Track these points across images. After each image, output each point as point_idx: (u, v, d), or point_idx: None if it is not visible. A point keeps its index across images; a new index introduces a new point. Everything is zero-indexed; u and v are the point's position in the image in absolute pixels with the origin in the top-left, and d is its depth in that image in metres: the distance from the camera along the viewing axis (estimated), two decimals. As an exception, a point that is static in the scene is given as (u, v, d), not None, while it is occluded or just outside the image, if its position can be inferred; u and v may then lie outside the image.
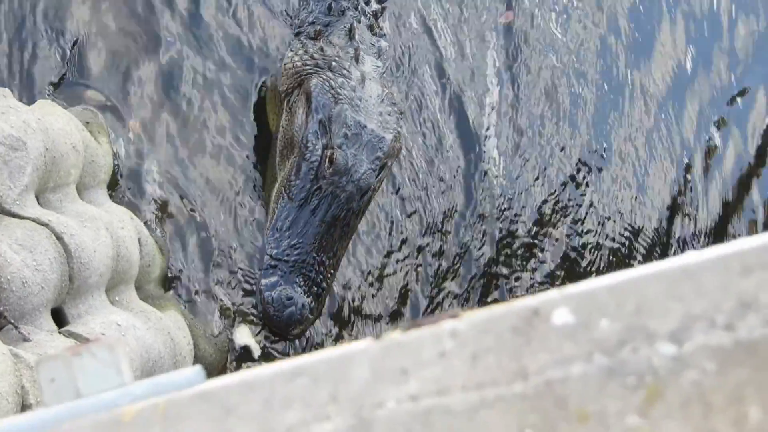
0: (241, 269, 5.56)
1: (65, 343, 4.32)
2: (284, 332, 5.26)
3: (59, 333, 4.48)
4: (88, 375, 2.27)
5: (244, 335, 5.43)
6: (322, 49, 5.70)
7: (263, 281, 5.20)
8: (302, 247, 5.20)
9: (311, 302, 5.20)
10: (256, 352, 5.41)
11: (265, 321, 5.22)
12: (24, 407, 3.96)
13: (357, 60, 5.71)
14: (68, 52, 5.29)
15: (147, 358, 4.66)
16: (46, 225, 4.51)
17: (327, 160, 5.32)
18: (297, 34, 5.92)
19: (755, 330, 1.69)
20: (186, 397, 2.08)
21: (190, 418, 2.02)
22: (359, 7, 5.97)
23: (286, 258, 5.20)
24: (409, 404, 1.87)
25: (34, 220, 4.50)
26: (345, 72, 5.63)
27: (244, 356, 5.35)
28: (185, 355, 4.93)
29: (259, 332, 5.47)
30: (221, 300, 5.46)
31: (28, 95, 5.01)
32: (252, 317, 5.46)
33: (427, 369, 1.89)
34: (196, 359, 4.97)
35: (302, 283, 5.18)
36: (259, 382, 2.02)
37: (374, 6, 6.07)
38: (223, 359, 5.19)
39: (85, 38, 5.38)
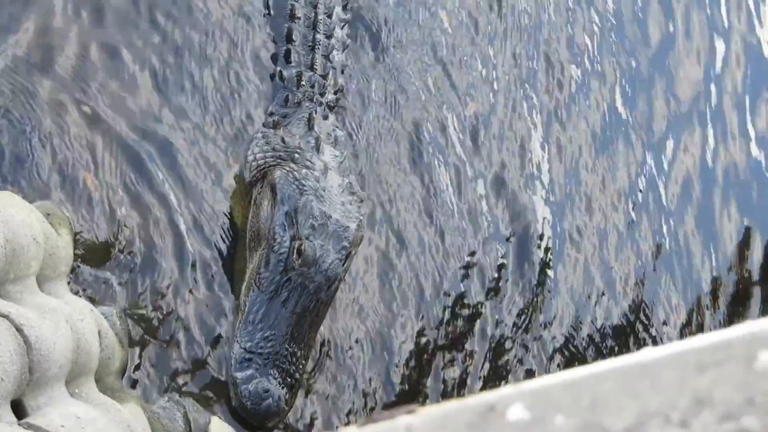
0: (207, 363, 5.53)
1: (23, 438, 4.29)
2: (261, 425, 5.24)
3: (18, 425, 4.45)
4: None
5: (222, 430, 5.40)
6: (283, 140, 5.75)
7: (239, 375, 5.19)
8: (275, 339, 5.21)
9: (286, 393, 5.20)
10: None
11: (243, 414, 5.21)
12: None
13: (318, 150, 5.76)
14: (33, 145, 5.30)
15: (106, 451, 4.63)
16: (6, 317, 4.49)
17: (295, 251, 5.35)
18: (263, 125, 5.97)
19: (709, 427, 1.69)
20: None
21: None
22: (314, 98, 6.03)
23: (260, 351, 5.20)
24: (364, 503, 1.86)
25: (-7, 312, 4.48)
26: (308, 163, 5.68)
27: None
28: (144, 448, 4.90)
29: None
30: (185, 390, 5.43)
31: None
32: (215, 406, 5.44)
33: (381, 467, 1.88)
34: (156, 453, 4.95)
35: (277, 375, 5.18)
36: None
37: (329, 97, 6.13)
38: (182, 453, 5.16)
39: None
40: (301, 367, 5.31)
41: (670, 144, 9.06)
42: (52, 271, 4.98)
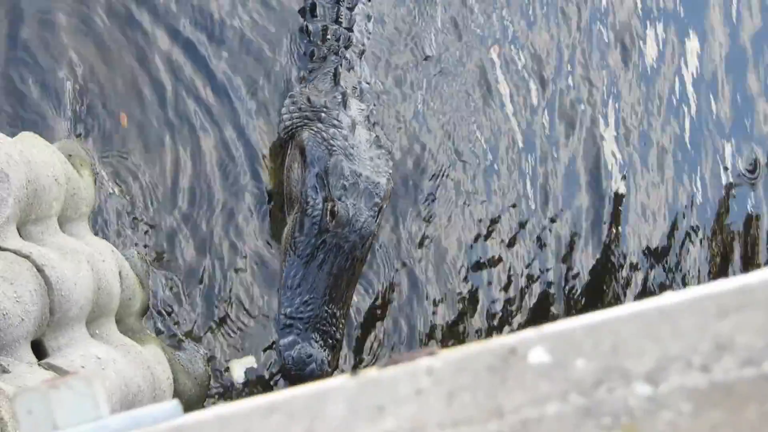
0: (245, 309, 5.55)
1: (44, 376, 4.30)
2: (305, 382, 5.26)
3: (39, 365, 4.47)
4: (66, 408, 2.26)
5: (239, 370, 5.43)
6: (309, 99, 5.72)
7: (282, 341, 5.23)
8: (314, 302, 5.23)
9: (328, 355, 5.23)
10: (251, 366, 5.42)
11: (287, 379, 5.24)
12: (2, 439, 3.95)
13: (344, 106, 5.73)
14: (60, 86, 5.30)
15: (126, 391, 4.64)
16: (27, 257, 4.50)
17: (328, 213, 5.35)
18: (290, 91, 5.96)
19: (731, 372, 1.69)
20: (162, 430, 2.07)
21: (165, 453, 2.02)
22: (339, 52, 6.00)
23: (300, 315, 5.22)
24: (385, 441, 1.86)
25: (15, 252, 4.48)
26: (335, 122, 5.65)
27: (233, 392, 5.35)
28: (165, 389, 4.91)
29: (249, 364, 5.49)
30: (204, 335, 5.44)
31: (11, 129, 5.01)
32: (240, 352, 5.47)
33: (403, 406, 1.88)
34: (176, 393, 4.96)
35: (318, 338, 5.21)
36: (236, 417, 2.01)
37: (354, 48, 6.09)
38: (202, 394, 5.17)
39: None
40: (341, 326, 5.34)
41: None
42: (74, 212, 4.99)
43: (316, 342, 5.20)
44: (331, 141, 5.53)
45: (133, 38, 5.68)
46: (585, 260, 6.89)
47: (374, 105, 6.09)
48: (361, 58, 6.12)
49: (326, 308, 5.25)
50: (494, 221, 6.64)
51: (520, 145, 6.96)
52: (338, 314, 5.30)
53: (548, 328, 1.88)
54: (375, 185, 5.47)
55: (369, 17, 6.28)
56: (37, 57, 5.33)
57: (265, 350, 5.54)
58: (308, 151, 5.51)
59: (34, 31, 5.36)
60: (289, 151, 5.62)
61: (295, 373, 5.14)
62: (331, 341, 5.24)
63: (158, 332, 5.26)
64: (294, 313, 5.22)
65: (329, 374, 5.22)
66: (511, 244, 6.62)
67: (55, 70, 5.35)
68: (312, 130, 5.58)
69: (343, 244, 5.34)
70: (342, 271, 5.34)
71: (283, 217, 5.58)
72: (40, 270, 4.50)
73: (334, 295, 5.30)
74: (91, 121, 5.40)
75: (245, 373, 5.44)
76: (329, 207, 5.33)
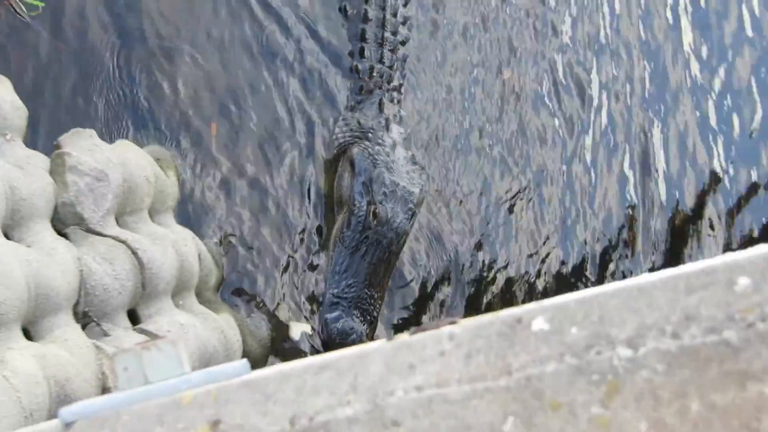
0: (300, 286, 5.60)
1: (137, 339, 4.33)
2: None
3: (133, 330, 4.50)
4: (155, 366, 2.28)
5: (297, 331, 5.50)
6: (359, 122, 5.85)
7: (329, 315, 5.30)
8: (357, 285, 5.32)
9: (366, 329, 5.32)
10: (307, 332, 5.48)
11: (332, 347, 5.30)
12: (104, 390, 3.97)
13: (387, 129, 5.85)
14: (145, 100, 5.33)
15: (204, 351, 4.67)
16: (123, 242, 4.53)
17: (371, 214, 5.46)
18: (345, 109, 6.06)
19: (697, 338, 1.70)
20: (234, 384, 2.09)
21: (236, 402, 2.03)
22: (383, 87, 6.11)
23: (345, 295, 5.31)
24: (415, 393, 1.87)
25: (114, 238, 4.51)
26: (379, 141, 5.77)
27: (294, 351, 5.39)
28: (235, 349, 4.94)
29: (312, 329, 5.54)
30: (267, 306, 5.47)
31: (109, 136, 5.04)
32: (299, 315, 5.54)
33: (429, 365, 1.90)
34: (244, 353, 4.98)
35: (359, 315, 5.30)
36: (293, 373, 2.03)
37: (395, 83, 6.19)
38: (265, 353, 5.21)
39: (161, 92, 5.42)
40: (378, 306, 5.44)
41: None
42: (161, 205, 5.01)
43: (357, 317, 5.28)
44: (376, 156, 5.64)
45: (215, 60, 5.71)
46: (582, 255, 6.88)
47: (410, 129, 6.19)
48: (400, 92, 6.21)
49: (366, 291, 5.34)
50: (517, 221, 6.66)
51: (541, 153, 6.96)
52: (376, 296, 5.39)
53: (548, 301, 1.89)
54: (410, 193, 5.59)
55: (406, 58, 6.35)
56: (132, 73, 5.35)
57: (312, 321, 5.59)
58: (357, 163, 5.62)
59: (132, 49, 5.38)
60: (341, 163, 5.74)
61: (339, 343, 5.20)
62: (369, 317, 5.33)
63: (230, 302, 5.29)
64: (340, 294, 5.30)
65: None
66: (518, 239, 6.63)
67: (149, 84, 5.38)
68: (361, 146, 5.70)
69: (382, 240, 5.44)
70: (380, 262, 5.45)
71: (332, 216, 5.66)
72: (134, 252, 4.53)
73: (374, 280, 5.39)
74: (183, 129, 5.44)
75: (301, 335, 5.49)
76: (372, 209, 5.44)
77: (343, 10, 6.32)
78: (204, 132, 5.54)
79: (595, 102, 7.45)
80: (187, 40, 5.65)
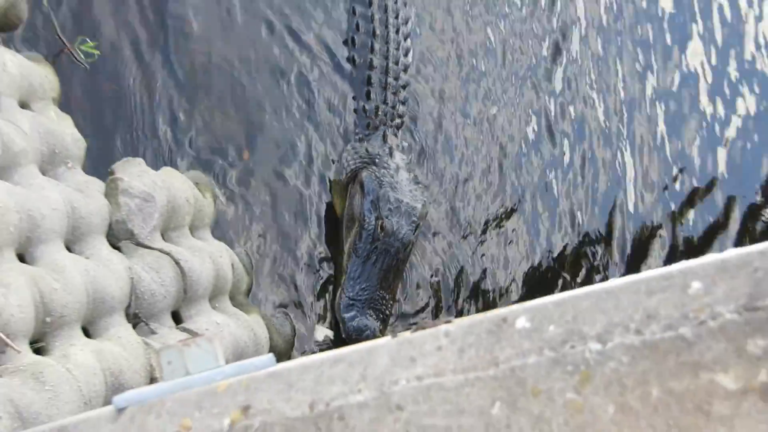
0: (318, 291, 5.62)
1: (180, 336, 4.34)
2: None
3: (176, 329, 4.50)
4: (194, 359, 2.28)
5: (321, 334, 5.51)
6: (367, 150, 5.89)
7: (345, 315, 5.31)
8: (369, 289, 5.34)
9: (380, 325, 5.34)
10: (329, 336, 5.50)
11: (349, 342, 5.30)
12: (151, 380, 3.98)
13: (391, 155, 5.88)
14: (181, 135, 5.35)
15: (236, 347, 4.67)
16: (168, 254, 4.53)
17: (379, 227, 5.49)
18: (350, 140, 6.10)
19: (656, 334, 1.70)
20: (262, 375, 2.09)
21: (263, 390, 2.04)
22: (387, 123, 6.15)
23: (359, 297, 5.33)
24: (416, 382, 1.87)
25: (159, 251, 4.52)
26: (385, 165, 5.81)
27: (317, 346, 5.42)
28: (263, 345, 4.94)
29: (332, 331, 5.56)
30: (290, 308, 5.48)
31: (156, 163, 5.05)
32: (321, 321, 5.57)
33: (428, 358, 1.90)
34: (271, 348, 4.98)
35: (372, 314, 5.31)
36: (312, 365, 2.03)
37: (397, 121, 6.23)
38: (288, 348, 5.20)
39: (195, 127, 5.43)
40: (389, 306, 5.46)
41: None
42: (200, 222, 5.02)
43: (371, 316, 5.29)
44: (382, 178, 5.67)
45: (244, 94, 5.72)
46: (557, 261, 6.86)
47: (411, 156, 6.23)
48: (401, 128, 6.27)
49: (378, 293, 5.37)
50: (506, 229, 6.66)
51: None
52: (387, 297, 5.41)
53: (529, 303, 1.89)
54: (413, 208, 5.61)
55: (406, 99, 6.39)
56: (175, 111, 5.36)
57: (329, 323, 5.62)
58: (366, 185, 5.65)
59: (174, 78, 5.40)
60: (351, 185, 5.77)
61: (355, 339, 5.21)
62: (381, 316, 5.35)
63: (258, 304, 5.29)
64: (355, 296, 5.32)
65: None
66: (508, 245, 6.62)
67: (188, 119, 5.40)
68: (368, 171, 5.74)
69: (389, 249, 5.46)
70: (389, 268, 5.46)
71: (346, 232, 5.68)
72: (177, 263, 4.53)
73: (384, 284, 5.42)
74: (218, 157, 5.46)
75: (324, 338, 5.50)
76: (380, 223, 5.47)
77: (351, 60, 6.35)
78: (236, 159, 5.55)
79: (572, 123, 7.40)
80: (224, 83, 5.66)
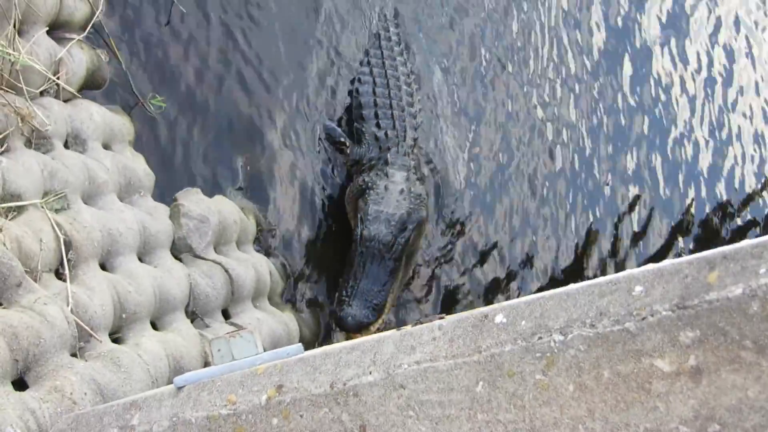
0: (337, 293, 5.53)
1: (228, 329, 4.32)
2: (356, 333, 5.18)
3: (225, 323, 4.49)
4: (239, 348, 2.27)
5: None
6: (364, 179, 5.70)
7: (337, 308, 5.17)
8: (355, 286, 5.11)
9: (371, 315, 5.15)
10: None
11: (342, 328, 5.18)
12: (205, 364, 3.96)
13: (387, 175, 5.72)
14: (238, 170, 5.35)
15: (273, 338, 4.65)
16: (219, 264, 4.53)
17: (360, 235, 5.35)
18: (355, 171, 5.97)
19: (607, 327, 1.69)
20: (292, 360, 2.08)
21: (294, 372, 2.03)
22: (396, 145, 5.98)
23: (348, 293, 5.13)
24: (415, 366, 1.86)
25: (213, 261, 4.52)
26: (376, 188, 5.59)
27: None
28: (294, 336, 4.92)
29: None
30: (315, 306, 5.45)
31: (210, 191, 5.05)
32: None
33: (425, 346, 1.89)
34: (300, 339, 4.96)
35: (359, 305, 5.14)
36: (333, 352, 2.02)
37: (408, 143, 6.06)
38: (315, 338, 5.18)
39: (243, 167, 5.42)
40: (382, 301, 5.27)
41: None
42: (245, 238, 5.02)
43: (357, 307, 5.14)
44: (369, 198, 5.49)
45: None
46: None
47: (417, 165, 6.04)
48: (411, 147, 6.09)
49: (372, 288, 5.21)
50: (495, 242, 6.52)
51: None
52: (381, 294, 5.24)
53: (505, 303, 1.89)
54: (392, 215, 5.42)
55: (416, 126, 6.26)
56: (224, 150, 5.38)
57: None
58: (360, 207, 5.50)
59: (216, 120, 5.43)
60: (359, 205, 5.60)
61: (352, 325, 5.08)
62: (376, 309, 5.18)
63: (291, 303, 5.27)
64: (345, 295, 5.16)
65: (374, 326, 5.18)
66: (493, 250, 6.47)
67: (233, 157, 5.40)
68: (364, 195, 5.56)
69: (374, 252, 5.29)
70: (379, 267, 5.29)
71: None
72: (226, 271, 4.53)
73: (374, 280, 5.25)
74: (261, 187, 5.45)
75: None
76: (361, 231, 5.32)
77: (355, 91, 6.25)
78: (275, 190, 5.53)
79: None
80: (267, 124, 5.65)
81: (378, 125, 6.07)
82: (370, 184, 5.67)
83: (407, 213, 5.51)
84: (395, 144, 5.99)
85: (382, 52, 6.37)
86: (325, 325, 5.39)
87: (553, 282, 6.56)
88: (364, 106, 6.18)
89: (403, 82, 6.33)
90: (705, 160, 7.66)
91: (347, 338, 5.21)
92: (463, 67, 6.88)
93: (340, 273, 5.42)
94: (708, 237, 7.34)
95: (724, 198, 7.64)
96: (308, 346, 4.61)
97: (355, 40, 6.45)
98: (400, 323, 5.65)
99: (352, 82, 6.28)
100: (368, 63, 6.32)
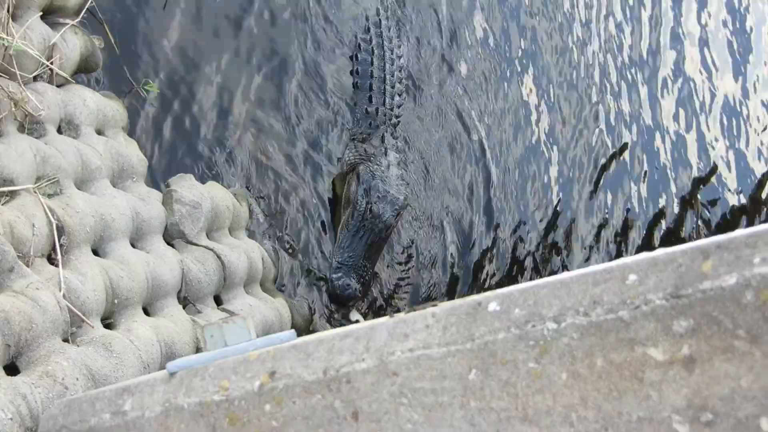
0: (322, 274, 5.54)
1: (220, 315, 4.31)
2: (344, 303, 5.29)
3: (218, 309, 4.48)
4: (231, 334, 2.26)
5: (354, 316, 5.46)
6: (365, 149, 5.81)
7: (333, 275, 5.21)
8: (355, 257, 5.25)
9: (359, 287, 5.23)
10: (360, 320, 5.42)
11: (334, 298, 5.25)
12: (197, 350, 3.95)
13: (385, 154, 5.82)
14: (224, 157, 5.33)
15: (265, 324, 4.64)
16: (211, 250, 4.51)
17: (368, 210, 5.43)
18: (352, 140, 6.00)
19: (600, 316, 1.68)
20: (285, 347, 2.07)
21: (287, 359, 2.01)
22: (386, 123, 6.06)
23: (346, 263, 5.25)
24: (408, 353, 1.85)
25: (205, 247, 4.50)
26: (378, 161, 5.73)
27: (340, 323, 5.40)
28: (286, 322, 4.91)
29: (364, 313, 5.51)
30: (307, 293, 5.44)
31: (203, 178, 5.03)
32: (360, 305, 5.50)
33: (418, 334, 1.88)
34: (292, 325, 4.95)
35: (355, 277, 5.22)
36: (326, 339, 2.01)
37: (395, 120, 6.15)
38: (307, 325, 5.17)
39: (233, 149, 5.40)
40: (370, 273, 5.35)
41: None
42: (237, 225, 5.00)
43: (353, 278, 5.21)
44: (375, 172, 5.61)
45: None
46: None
47: (404, 155, 6.12)
48: (396, 128, 6.17)
49: (361, 261, 5.29)
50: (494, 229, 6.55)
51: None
52: (368, 266, 5.32)
53: (499, 290, 1.87)
54: (396, 198, 5.55)
55: (401, 104, 6.32)
56: (221, 138, 5.35)
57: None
58: (361, 176, 5.58)
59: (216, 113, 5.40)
60: (350, 175, 5.68)
61: (339, 294, 5.14)
62: (362, 279, 5.25)
63: (283, 290, 5.26)
64: (342, 261, 5.25)
65: (359, 298, 5.24)
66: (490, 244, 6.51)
67: (228, 143, 5.38)
68: (365, 165, 5.67)
69: (374, 228, 5.39)
70: (373, 243, 5.38)
71: (342, 211, 5.60)
72: (218, 257, 4.51)
73: (367, 255, 5.34)
74: (252, 175, 5.44)
75: (355, 321, 5.44)
76: (369, 206, 5.41)
77: (355, 72, 6.26)
78: (266, 176, 5.51)
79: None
80: (262, 117, 5.64)
81: (370, 100, 6.11)
82: (371, 154, 5.76)
83: (404, 198, 5.65)
84: (383, 122, 6.05)
85: (381, 32, 6.43)
86: (318, 310, 5.39)
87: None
88: (361, 74, 6.26)
89: (396, 68, 6.38)
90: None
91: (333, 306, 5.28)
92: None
93: (328, 246, 5.46)
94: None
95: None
96: (300, 332, 4.61)
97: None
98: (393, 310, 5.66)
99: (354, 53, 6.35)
100: (369, 38, 6.38)
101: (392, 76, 6.31)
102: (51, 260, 3.57)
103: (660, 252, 1.70)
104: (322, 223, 5.68)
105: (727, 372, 1.55)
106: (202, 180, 4.93)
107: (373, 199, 5.48)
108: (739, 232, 1.61)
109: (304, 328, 5.12)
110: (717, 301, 1.56)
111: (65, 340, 3.33)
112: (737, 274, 1.55)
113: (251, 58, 5.73)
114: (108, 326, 3.70)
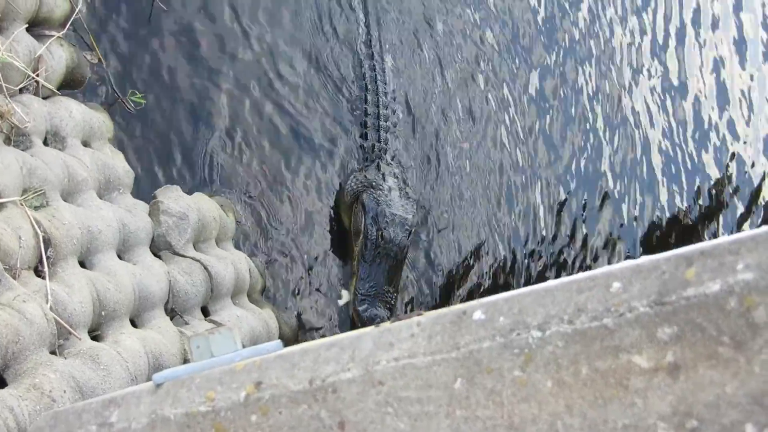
0: (318, 290, 5.53)
1: (207, 326, 4.30)
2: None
3: (205, 320, 4.46)
4: (218, 344, 2.25)
5: (345, 299, 5.47)
6: (365, 176, 5.83)
7: (360, 308, 5.22)
8: (377, 286, 5.28)
9: (388, 314, 5.27)
10: (347, 299, 5.44)
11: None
12: (184, 361, 3.94)
13: (384, 180, 5.82)
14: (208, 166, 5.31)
15: (252, 334, 4.63)
16: (198, 261, 4.50)
17: (380, 237, 5.44)
18: (351, 172, 6.03)
19: (585, 324, 1.67)
20: (271, 357, 2.05)
21: (273, 369, 2.00)
22: (381, 156, 6.06)
23: (369, 293, 5.27)
24: (394, 362, 1.84)
25: (192, 258, 4.48)
26: (380, 187, 5.74)
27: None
28: (273, 332, 4.90)
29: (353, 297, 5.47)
30: (295, 304, 5.42)
31: (190, 189, 5.01)
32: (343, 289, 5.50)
33: (403, 343, 1.87)
34: (279, 336, 4.94)
35: (380, 305, 5.25)
36: (312, 349, 2.00)
37: (388, 156, 6.16)
38: (294, 335, 5.15)
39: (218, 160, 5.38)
40: (393, 297, 5.39)
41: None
42: (224, 236, 4.99)
43: (380, 307, 5.24)
44: (378, 198, 5.63)
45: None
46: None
47: (402, 178, 6.11)
48: (393, 159, 6.19)
49: (383, 288, 5.32)
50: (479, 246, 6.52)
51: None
52: (391, 291, 5.36)
53: (484, 299, 1.87)
54: (404, 219, 5.57)
55: (397, 137, 6.33)
56: (208, 149, 5.34)
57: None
58: (366, 204, 5.61)
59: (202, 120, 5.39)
60: (355, 205, 5.70)
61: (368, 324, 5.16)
62: (388, 306, 5.30)
63: (271, 301, 5.24)
64: (366, 293, 5.27)
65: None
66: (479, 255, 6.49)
67: (217, 157, 5.36)
68: (368, 193, 5.68)
69: (390, 253, 5.42)
70: (392, 268, 5.42)
71: (353, 242, 5.60)
72: (206, 268, 4.50)
73: (388, 281, 5.38)
74: (240, 187, 5.42)
75: (345, 303, 5.45)
76: (381, 233, 5.42)
77: (350, 111, 6.30)
78: (252, 187, 5.50)
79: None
80: (247, 130, 5.62)
81: (365, 136, 6.16)
82: (372, 181, 5.78)
83: (413, 216, 5.68)
84: (378, 157, 6.09)
85: (375, 65, 6.45)
86: (305, 322, 5.37)
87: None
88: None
89: (390, 99, 6.43)
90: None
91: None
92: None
93: (321, 269, 5.44)
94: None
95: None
96: (288, 343, 4.60)
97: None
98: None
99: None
100: (362, 74, 6.40)
101: (386, 109, 6.35)
102: (38, 272, 3.55)
103: (644, 259, 1.69)
104: (314, 230, 5.68)
105: (711, 379, 1.54)
106: (189, 191, 4.91)
107: (382, 225, 5.51)
108: (723, 239, 1.61)
109: (292, 338, 5.11)
110: (701, 308, 1.55)
111: (52, 353, 3.30)
112: (721, 280, 1.54)
113: (239, 70, 5.72)
114: (95, 338, 3.68)
